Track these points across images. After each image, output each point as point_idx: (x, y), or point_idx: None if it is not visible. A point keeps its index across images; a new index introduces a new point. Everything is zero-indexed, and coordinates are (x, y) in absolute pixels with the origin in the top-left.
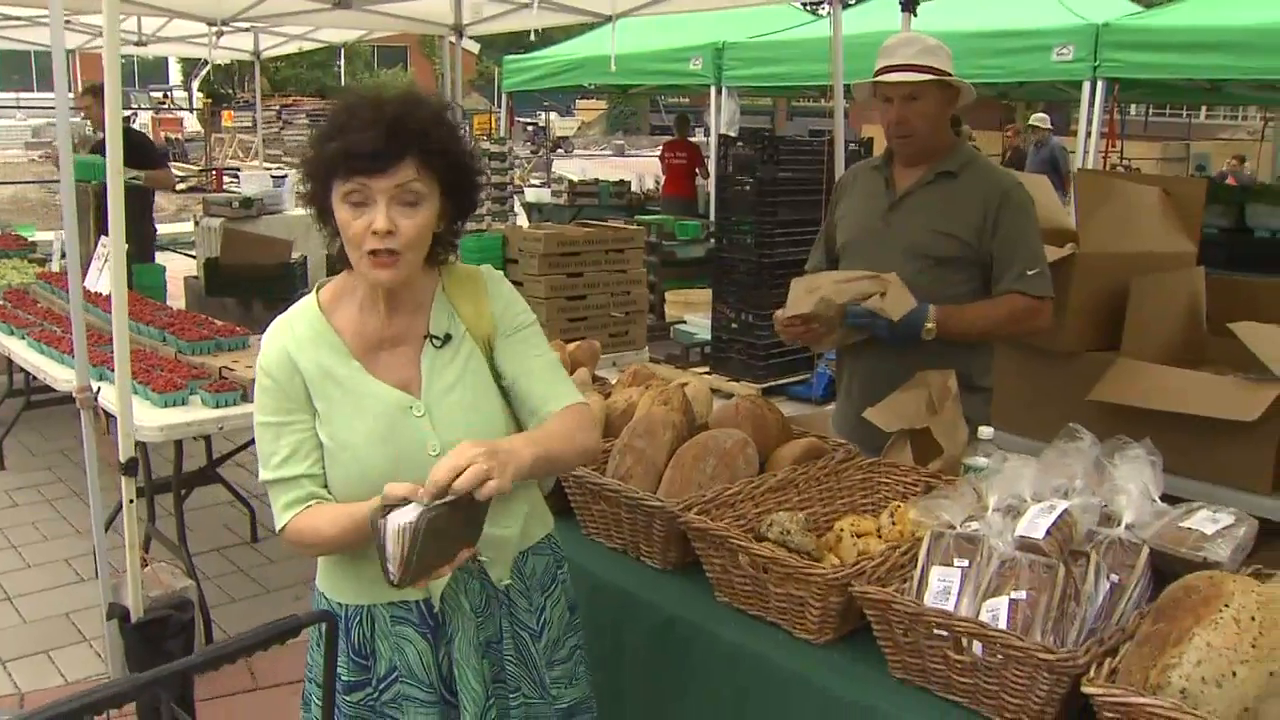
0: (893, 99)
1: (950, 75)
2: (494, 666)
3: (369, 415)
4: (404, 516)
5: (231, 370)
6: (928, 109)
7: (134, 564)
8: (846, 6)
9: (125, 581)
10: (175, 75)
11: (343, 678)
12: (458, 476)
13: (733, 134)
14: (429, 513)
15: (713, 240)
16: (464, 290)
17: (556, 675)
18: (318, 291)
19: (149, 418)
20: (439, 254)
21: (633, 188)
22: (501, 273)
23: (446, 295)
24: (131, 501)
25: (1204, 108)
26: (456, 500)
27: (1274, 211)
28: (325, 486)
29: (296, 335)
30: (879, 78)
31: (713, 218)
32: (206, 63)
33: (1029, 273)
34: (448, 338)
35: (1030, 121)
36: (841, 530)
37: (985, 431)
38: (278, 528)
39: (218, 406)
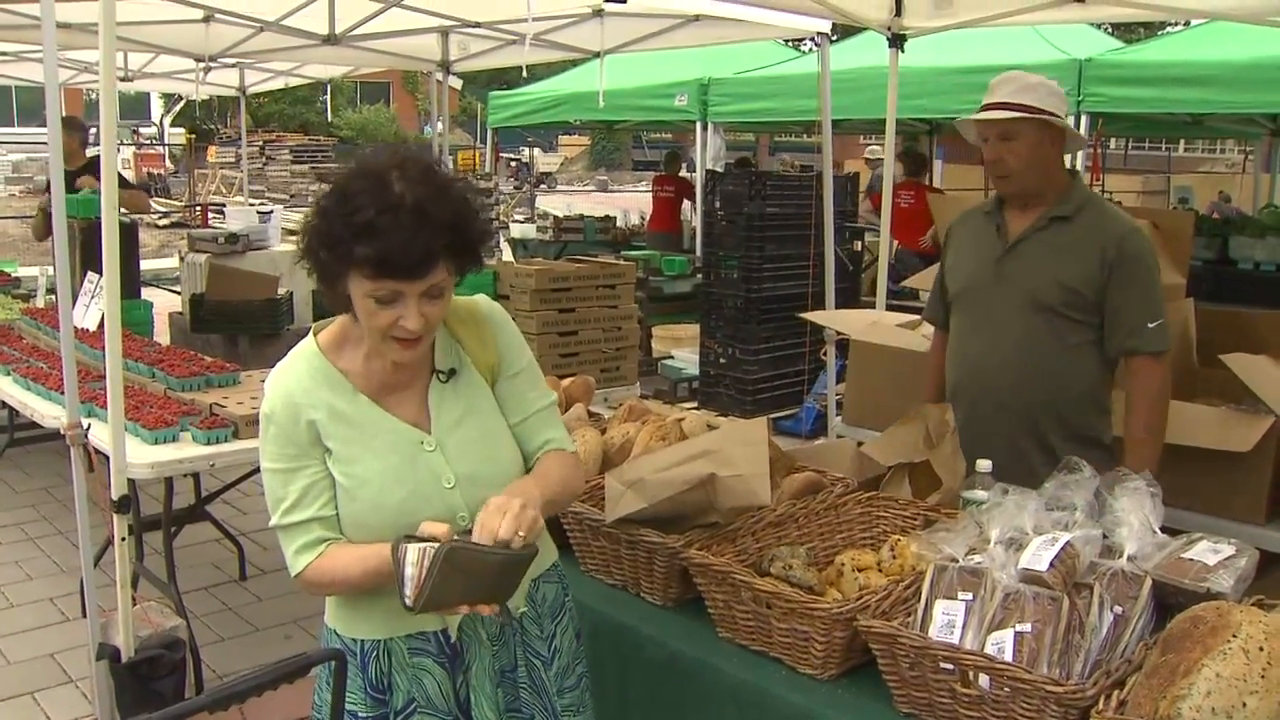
0: (989, 138)
1: (1048, 114)
2: (508, 696)
3: (383, 451)
4: (426, 544)
5: (223, 406)
6: (1022, 149)
7: (125, 602)
8: (832, 43)
9: (114, 621)
10: (157, 111)
11: (359, 714)
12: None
13: (719, 169)
14: (452, 543)
15: (699, 275)
16: (466, 322)
17: (567, 703)
18: (315, 335)
19: (139, 454)
20: None
21: (618, 223)
22: (497, 304)
23: (448, 328)
24: (124, 539)
25: (1183, 141)
26: (492, 551)
27: (1257, 244)
28: (336, 527)
29: (300, 379)
30: (977, 116)
31: (699, 253)
32: (181, 99)
33: (1150, 325)
34: (453, 372)
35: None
36: (842, 564)
37: (983, 464)
38: (294, 573)
39: (209, 443)
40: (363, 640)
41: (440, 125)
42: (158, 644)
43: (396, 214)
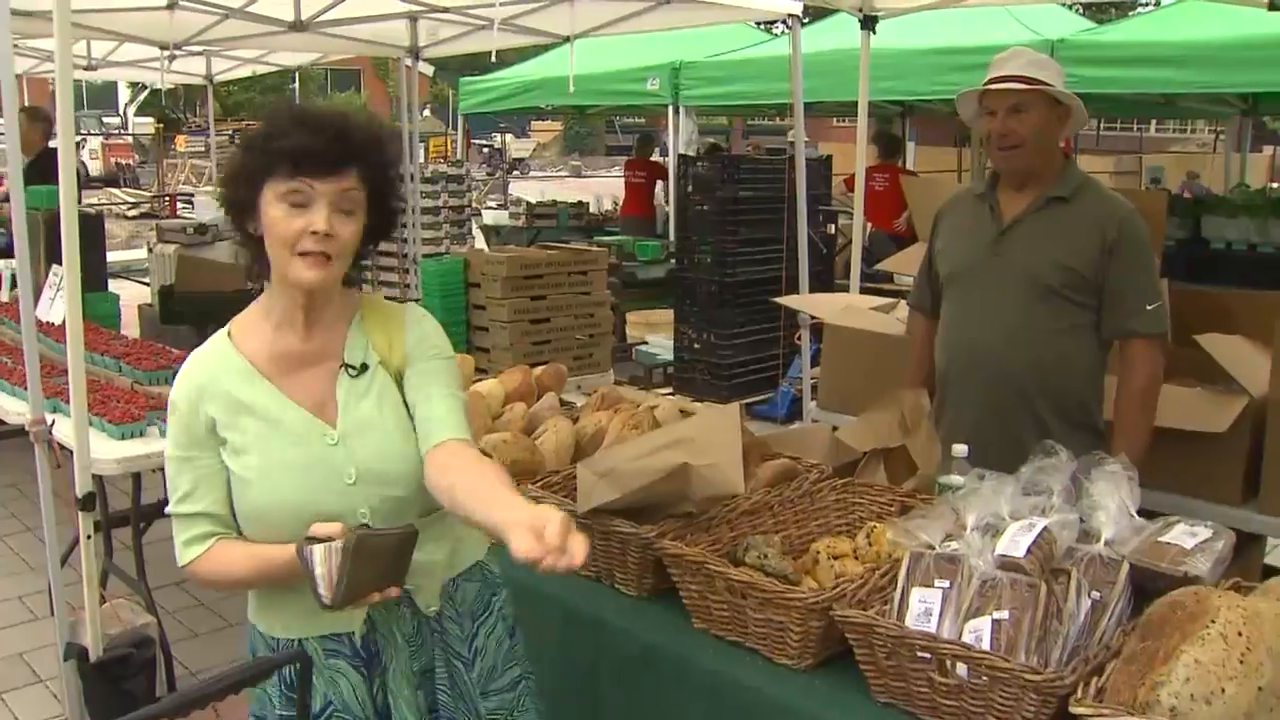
0: (996, 111)
1: (1059, 91)
2: (429, 697)
3: (284, 443)
4: (330, 542)
5: None
6: (1034, 122)
7: (93, 601)
8: (804, 25)
9: (83, 619)
10: (125, 100)
11: (277, 711)
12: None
13: (692, 153)
14: (357, 534)
15: (673, 260)
16: (381, 323)
17: (493, 706)
18: (233, 322)
19: (106, 450)
20: (351, 273)
21: (591, 209)
22: (425, 311)
23: (363, 326)
24: (89, 537)
25: (1154, 122)
26: (387, 534)
27: (1229, 223)
28: (228, 522)
29: (207, 369)
30: (984, 87)
31: (672, 237)
32: (145, 87)
33: (1148, 307)
34: (363, 368)
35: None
36: (818, 552)
37: (959, 449)
38: (180, 564)
39: None
40: (279, 639)
41: (416, 112)
42: (127, 642)
43: (315, 115)
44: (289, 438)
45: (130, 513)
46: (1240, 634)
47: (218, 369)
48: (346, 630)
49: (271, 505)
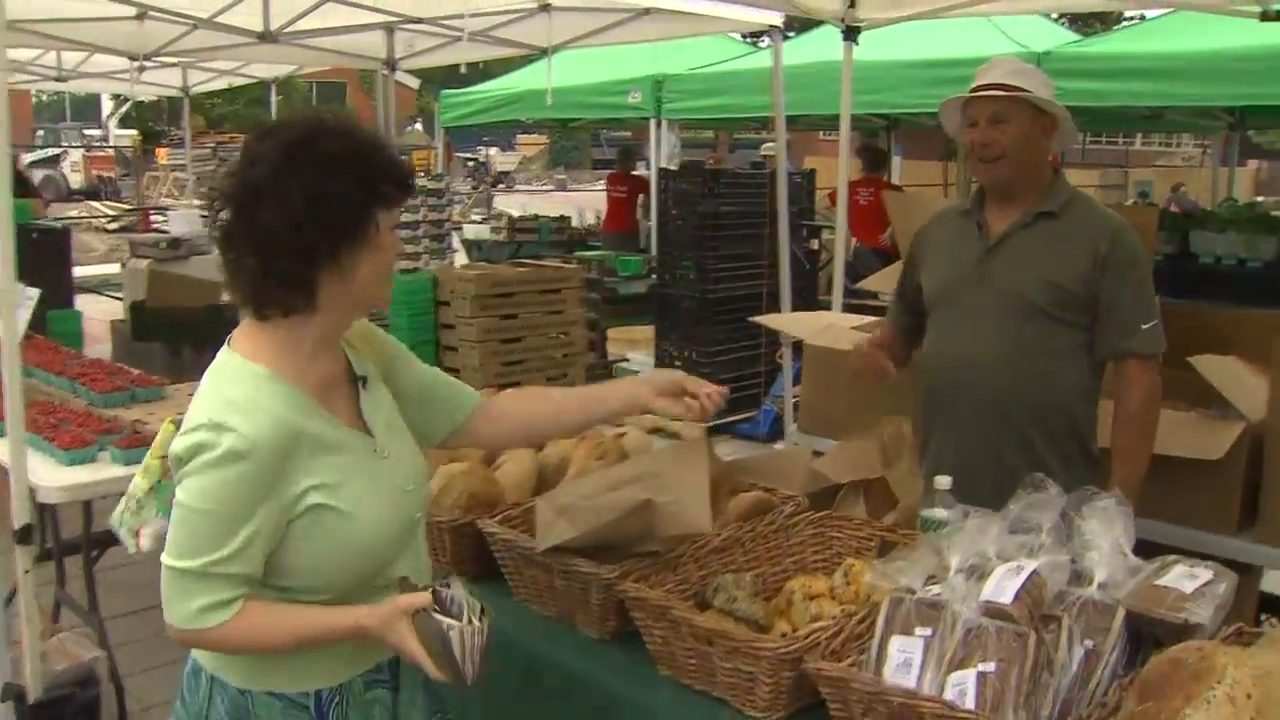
0: (978, 121)
1: (1041, 98)
2: (433, 700)
3: (357, 467)
4: (463, 622)
5: (145, 424)
6: (1015, 132)
7: (32, 638)
8: (787, 38)
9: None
10: (108, 112)
11: None
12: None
13: (673, 167)
14: (486, 607)
15: (654, 276)
16: (355, 335)
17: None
18: (249, 360)
19: (52, 477)
20: None
21: (573, 223)
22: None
23: (346, 339)
24: (27, 572)
25: (1139, 135)
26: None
27: (1217, 238)
28: (256, 581)
29: (279, 412)
30: (970, 95)
31: (654, 253)
32: (127, 99)
33: (1144, 326)
34: (364, 378)
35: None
36: (793, 592)
37: (942, 481)
38: (197, 626)
39: (129, 464)
40: (318, 691)
41: (393, 124)
42: (70, 681)
43: (385, 139)
44: (356, 461)
45: (81, 540)
46: (1249, 695)
47: (287, 410)
48: (392, 656)
49: (375, 533)
